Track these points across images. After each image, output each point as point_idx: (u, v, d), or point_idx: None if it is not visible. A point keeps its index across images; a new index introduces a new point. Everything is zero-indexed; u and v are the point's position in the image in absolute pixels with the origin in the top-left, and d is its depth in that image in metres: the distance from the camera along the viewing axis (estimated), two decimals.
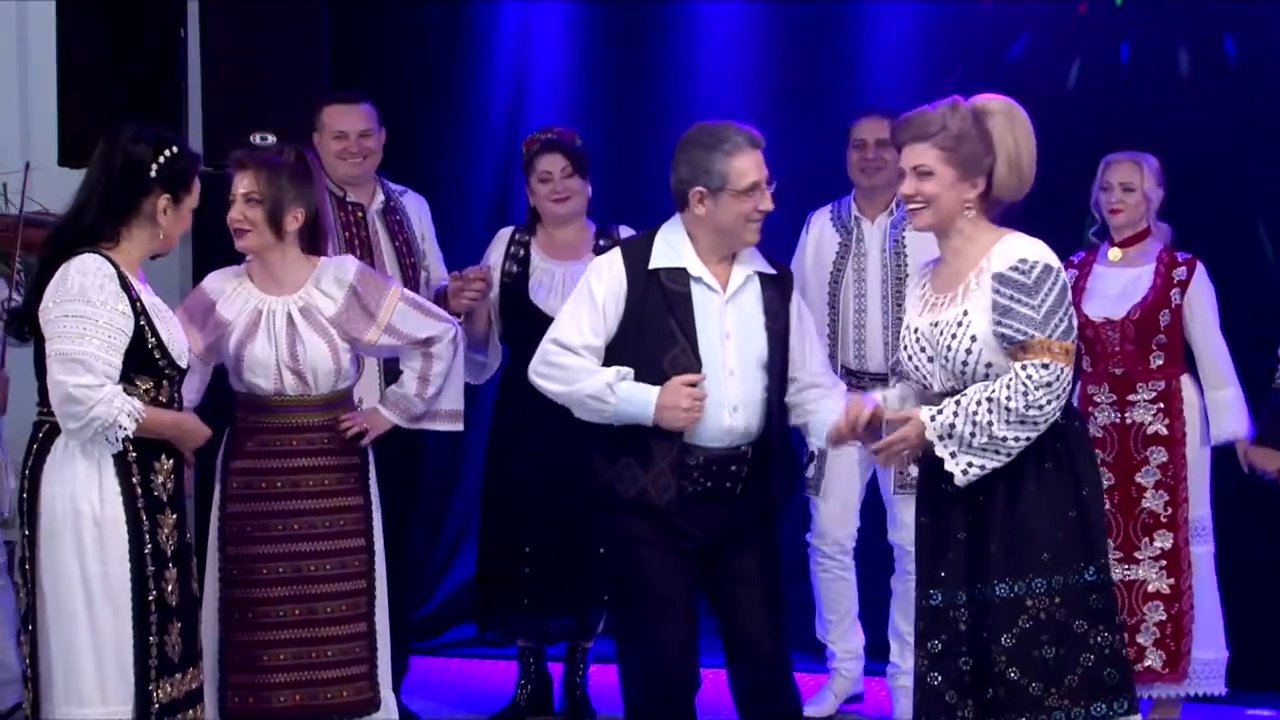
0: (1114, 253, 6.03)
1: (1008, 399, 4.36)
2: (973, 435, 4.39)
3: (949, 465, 4.42)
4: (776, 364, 4.81)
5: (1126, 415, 5.90)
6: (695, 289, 4.75)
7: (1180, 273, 5.92)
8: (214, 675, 5.04)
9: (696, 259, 4.76)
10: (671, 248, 4.78)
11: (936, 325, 4.52)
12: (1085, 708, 4.41)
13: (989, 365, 4.45)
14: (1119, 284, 5.99)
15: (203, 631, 5.03)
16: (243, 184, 5.02)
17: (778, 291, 4.85)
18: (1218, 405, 5.93)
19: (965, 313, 4.47)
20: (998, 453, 4.40)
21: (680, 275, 4.75)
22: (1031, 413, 4.37)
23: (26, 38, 6.86)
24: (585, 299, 4.79)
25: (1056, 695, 4.40)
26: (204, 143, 6.66)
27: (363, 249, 5.88)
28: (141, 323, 4.52)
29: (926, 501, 4.58)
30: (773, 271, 4.87)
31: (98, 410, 4.41)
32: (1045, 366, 4.36)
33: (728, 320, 4.77)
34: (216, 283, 5.13)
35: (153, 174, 4.58)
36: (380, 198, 6.07)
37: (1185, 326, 5.93)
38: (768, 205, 4.74)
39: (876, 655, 6.33)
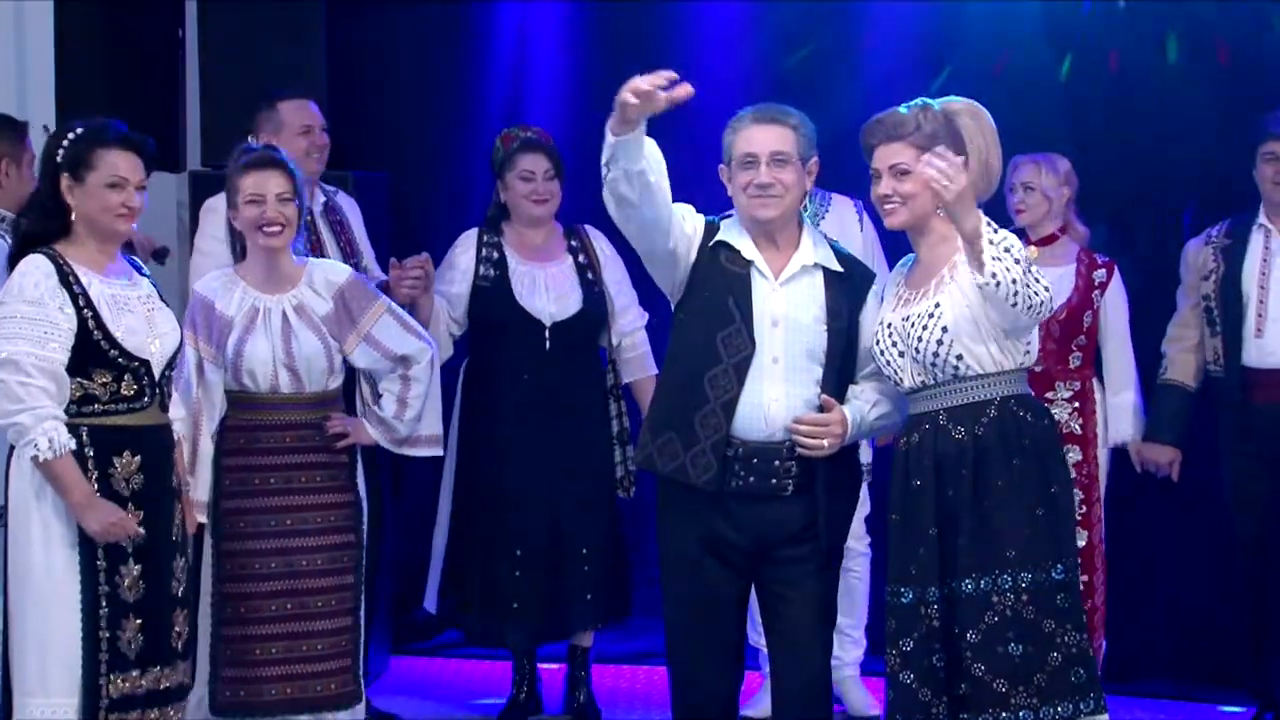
0: (1031, 251, 6.00)
1: (1018, 262, 4.34)
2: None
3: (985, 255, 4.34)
4: (835, 362, 4.70)
5: None
6: (753, 272, 4.71)
7: (1100, 275, 5.97)
8: (206, 669, 5.09)
9: (751, 244, 4.73)
10: (735, 230, 4.77)
11: (908, 319, 4.55)
12: (1053, 706, 4.43)
13: (959, 357, 4.48)
14: None
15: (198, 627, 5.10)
16: (274, 183, 5.08)
17: (843, 290, 4.74)
18: (1115, 409, 5.99)
19: (937, 305, 4.51)
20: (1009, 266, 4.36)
21: (739, 257, 4.72)
22: (1030, 281, 4.34)
23: (24, 38, 6.84)
24: None
25: (1025, 694, 4.42)
26: (203, 143, 6.69)
27: (316, 249, 5.75)
28: (85, 315, 4.55)
29: (897, 499, 4.59)
30: (839, 269, 4.77)
31: (22, 418, 4.47)
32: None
33: (777, 307, 4.69)
34: (207, 284, 5.19)
35: (58, 159, 4.63)
36: (321, 198, 5.99)
37: (1099, 329, 5.97)
38: (761, 179, 4.67)
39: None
